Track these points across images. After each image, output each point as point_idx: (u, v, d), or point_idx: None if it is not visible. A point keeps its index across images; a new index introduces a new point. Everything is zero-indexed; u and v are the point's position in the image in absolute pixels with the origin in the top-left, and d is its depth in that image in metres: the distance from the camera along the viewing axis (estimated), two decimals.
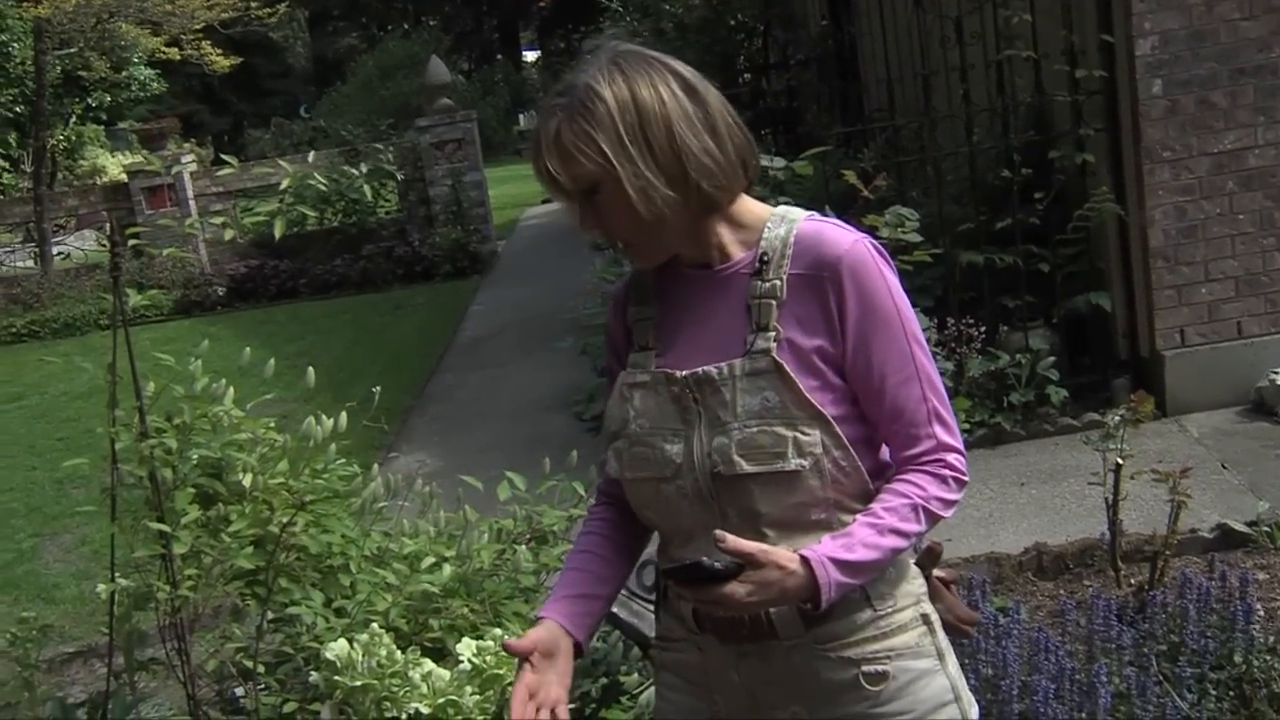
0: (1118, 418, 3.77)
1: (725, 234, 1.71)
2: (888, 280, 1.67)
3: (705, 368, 1.67)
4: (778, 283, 1.66)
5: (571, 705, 2.78)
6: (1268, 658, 3.16)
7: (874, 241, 1.69)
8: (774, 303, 1.66)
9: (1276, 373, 5.35)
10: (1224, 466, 4.89)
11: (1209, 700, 3.06)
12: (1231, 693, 3.10)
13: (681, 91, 1.64)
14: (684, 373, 1.68)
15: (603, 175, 1.61)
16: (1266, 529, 4.20)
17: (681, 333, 1.73)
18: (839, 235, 1.68)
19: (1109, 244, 5.69)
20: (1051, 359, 5.55)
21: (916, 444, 1.67)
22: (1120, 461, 3.73)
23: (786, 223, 1.70)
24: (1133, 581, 3.82)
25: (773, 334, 1.65)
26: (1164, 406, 5.37)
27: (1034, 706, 2.91)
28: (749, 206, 1.73)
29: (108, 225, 14.16)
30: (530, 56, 43.99)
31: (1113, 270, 5.71)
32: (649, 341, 1.76)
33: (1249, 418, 5.37)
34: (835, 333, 1.65)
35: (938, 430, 1.68)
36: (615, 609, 2.52)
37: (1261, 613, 3.52)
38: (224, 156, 4.17)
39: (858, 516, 1.64)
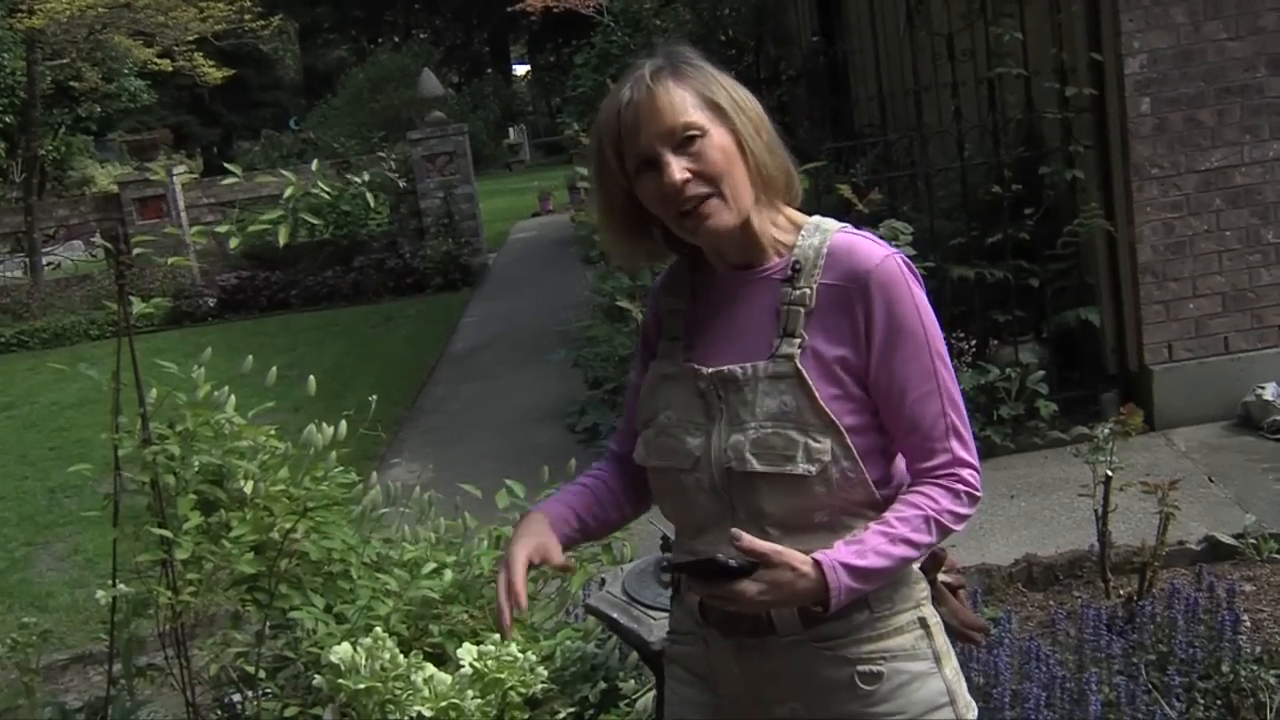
0: (1107, 430, 3.81)
1: (765, 236, 1.75)
2: (915, 296, 1.71)
3: (730, 366, 1.72)
4: (808, 291, 1.71)
5: (570, 710, 2.83)
6: (1254, 667, 3.21)
7: (904, 257, 1.73)
8: (802, 310, 1.70)
9: (1262, 388, 5.40)
10: (1211, 480, 4.94)
11: (1197, 709, 3.10)
12: (1219, 701, 3.14)
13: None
14: (710, 370, 1.74)
15: (718, 119, 1.69)
16: (1253, 541, 4.24)
17: (711, 330, 1.78)
18: (871, 249, 1.72)
19: (1098, 259, 5.75)
20: (1041, 373, 5.60)
21: (932, 457, 1.71)
22: (1110, 474, 3.77)
23: (821, 232, 1.75)
24: (1122, 592, 3.85)
25: (798, 340, 1.69)
26: (1151, 420, 5.41)
27: (1025, 714, 2.96)
28: (789, 214, 1.78)
29: (98, 235, 14.20)
30: (520, 70, 44.09)
31: (1101, 285, 5.77)
32: (678, 332, 1.81)
33: (1235, 432, 5.42)
34: (860, 344, 1.69)
35: (954, 445, 1.72)
36: (615, 614, 2.57)
37: (1248, 623, 3.56)
38: (228, 166, 4.17)
39: (870, 524, 1.67)
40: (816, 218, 1.79)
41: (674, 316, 1.83)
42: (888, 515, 1.68)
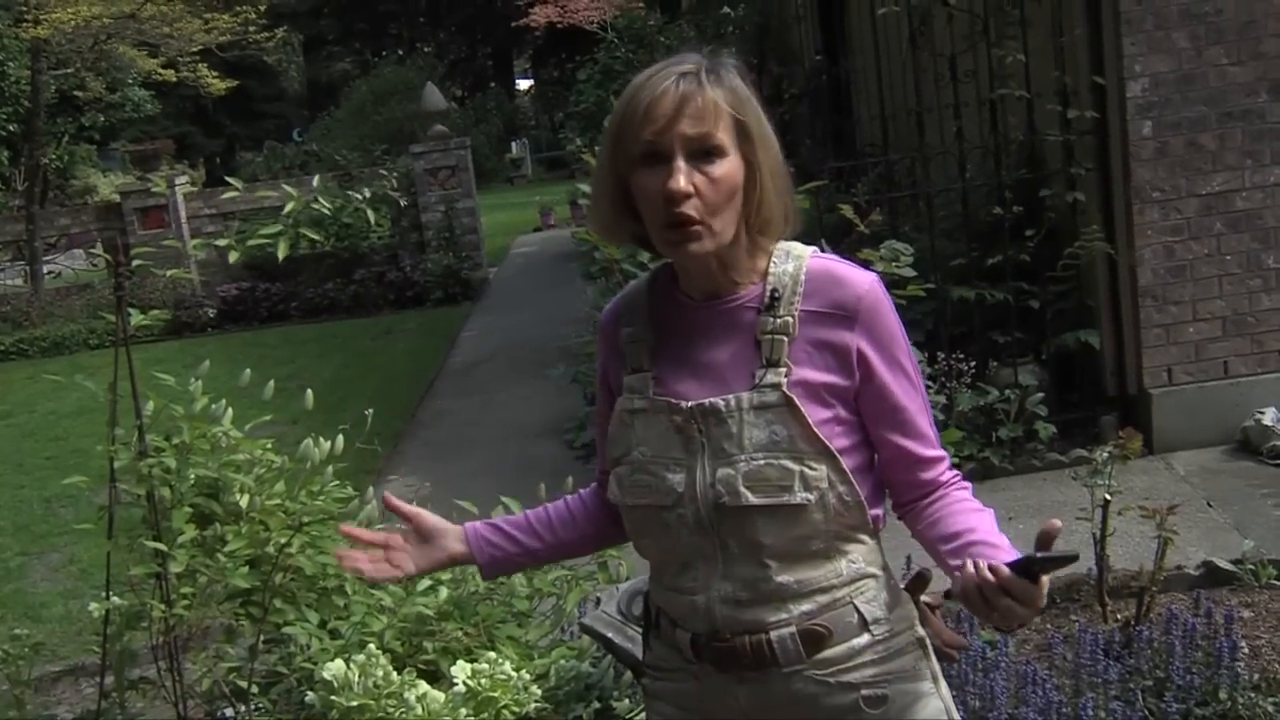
0: (1106, 454, 3.80)
1: (736, 268, 1.72)
2: (895, 316, 1.73)
3: (712, 399, 1.67)
4: (790, 319, 1.68)
5: None
6: (1252, 694, 3.19)
7: (878, 278, 1.73)
8: (785, 339, 1.67)
9: (1262, 412, 5.40)
10: (1209, 505, 4.93)
11: None
12: None
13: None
14: (690, 404, 1.69)
15: (741, 145, 1.65)
16: (1251, 567, 4.22)
17: (682, 362, 1.73)
18: (856, 276, 1.71)
19: (1098, 282, 5.75)
20: (1040, 395, 5.60)
21: (935, 466, 1.74)
22: (1108, 497, 3.76)
23: (793, 259, 1.73)
24: (1119, 617, 3.84)
25: (783, 369, 1.66)
26: (1150, 444, 5.40)
27: None
28: (765, 245, 1.75)
29: (100, 244, 14.20)
30: (523, 85, 44.19)
31: (1102, 308, 5.77)
32: (643, 364, 1.75)
33: (1234, 457, 5.41)
34: (850, 368, 1.68)
35: (940, 450, 1.76)
36: (610, 634, 2.55)
37: (1246, 650, 3.54)
38: (228, 180, 4.20)
39: (970, 539, 1.64)
40: (784, 243, 1.75)
41: (636, 347, 1.77)
42: (981, 525, 1.66)
